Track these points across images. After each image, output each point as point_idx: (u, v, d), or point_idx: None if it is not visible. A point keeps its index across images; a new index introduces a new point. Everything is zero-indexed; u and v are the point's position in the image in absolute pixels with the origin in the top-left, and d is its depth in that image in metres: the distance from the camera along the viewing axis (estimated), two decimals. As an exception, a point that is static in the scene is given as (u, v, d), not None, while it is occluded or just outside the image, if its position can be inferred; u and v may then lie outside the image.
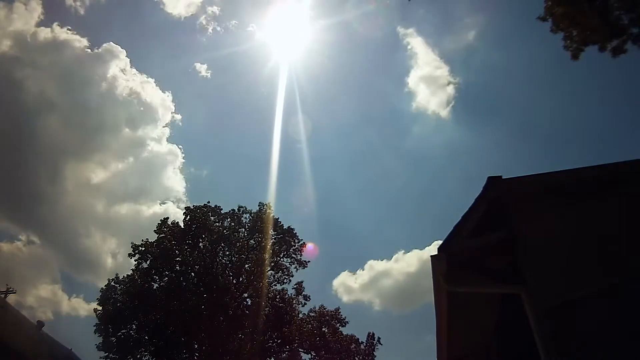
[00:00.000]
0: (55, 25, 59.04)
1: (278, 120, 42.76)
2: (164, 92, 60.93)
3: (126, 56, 54.76)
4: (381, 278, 54.38)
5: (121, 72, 53.68)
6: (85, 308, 49.45)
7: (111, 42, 54.66)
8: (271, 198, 33.17)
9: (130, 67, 56.72)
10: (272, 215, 30.87)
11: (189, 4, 65.58)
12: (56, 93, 49.10)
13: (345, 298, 51.32)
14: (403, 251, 59.10)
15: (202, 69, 58.31)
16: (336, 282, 52.17)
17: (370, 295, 55.50)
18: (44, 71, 48.66)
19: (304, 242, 31.21)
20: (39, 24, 57.09)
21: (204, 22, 62.98)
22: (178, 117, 59.91)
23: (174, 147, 59.46)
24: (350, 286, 52.47)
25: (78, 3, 60.81)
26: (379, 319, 53.09)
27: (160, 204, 54.71)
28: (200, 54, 59.85)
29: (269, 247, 29.87)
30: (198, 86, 62.32)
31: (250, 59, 67.07)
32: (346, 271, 56.30)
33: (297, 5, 57.30)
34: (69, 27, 55.28)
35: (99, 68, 51.97)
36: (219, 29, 64.39)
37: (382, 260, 60.97)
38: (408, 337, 51.39)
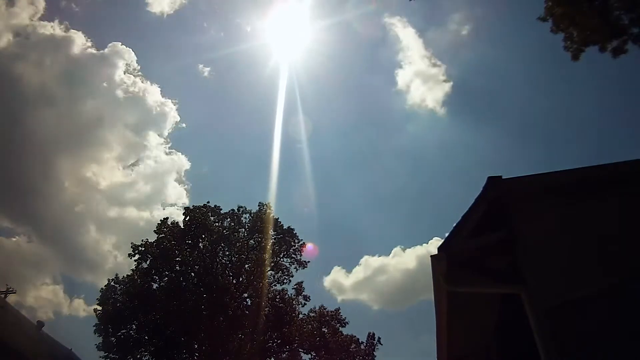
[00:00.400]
0: (56, 21, 59.14)
1: (278, 120, 42.75)
2: (164, 94, 60.86)
3: (136, 61, 54.50)
4: (378, 274, 54.16)
5: (123, 73, 53.62)
6: (69, 302, 49.40)
7: (116, 43, 54.48)
8: (271, 197, 33.24)
9: (136, 68, 56.54)
10: (272, 215, 30.90)
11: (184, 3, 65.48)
12: (56, 90, 49.12)
13: (341, 294, 51.09)
14: (400, 247, 58.83)
15: (202, 69, 58.38)
16: (333, 278, 51.93)
17: (366, 291, 55.23)
18: (45, 67, 48.61)
19: (303, 242, 31.25)
20: (42, 18, 56.93)
21: (203, 23, 63.02)
22: (178, 117, 60.03)
23: (175, 147, 59.34)
24: (346, 282, 52.27)
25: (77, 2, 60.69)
26: (374, 315, 52.88)
27: (162, 206, 54.47)
28: (200, 54, 59.89)
29: (268, 247, 29.87)
30: (199, 87, 62.41)
31: (250, 59, 67.09)
32: (341, 267, 56.00)
33: (297, 5, 57.36)
34: (70, 24, 55.20)
35: (101, 67, 51.99)
36: (219, 29, 64.38)
37: (379, 256, 60.77)
38: (404, 335, 51.28)
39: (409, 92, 63.86)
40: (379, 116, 63.58)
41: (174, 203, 51.78)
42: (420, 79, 60.28)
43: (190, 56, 61.29)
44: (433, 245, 44.93)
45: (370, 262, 53.73)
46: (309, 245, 32.34)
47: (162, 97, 63.97)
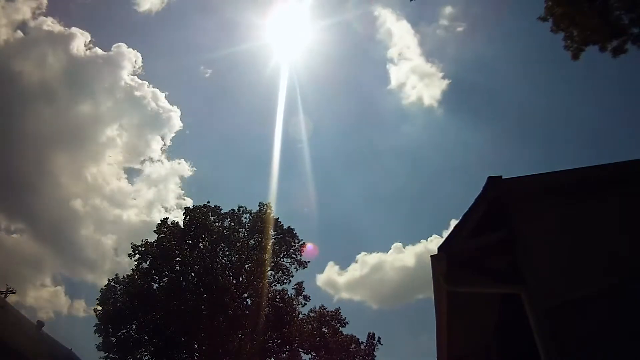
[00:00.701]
0: (57, 17, 58.99)
1: (279, 120, 42.75)
2: (163, 92, 60.74)
3: (141, 67, 54.20)
4: (375, 271, 53.70)
5: (127, 75, 53.33)
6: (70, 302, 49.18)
7: (121, 44, 54.19)
8: (271, 197, 33.24)
9: (141, 73, 56.34)
10: (272, 215, 30.92)
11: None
12: (57, 87, 49.04)
13: (335, 292, 50.53)
14: (400, 244, 58.57)
15: (202, 69, 58.38)
16: (327, 276, 51.50)
17: (362, 288, 54.68)
18: (45, 63, 48.43)
19: (303, 242, 31.29)
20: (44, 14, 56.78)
21: (197, 22, 62.96)
22: (181, 123, 59.78)
23: (177, 150, 59.27)
24: (341, 279, 51.82)
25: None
26: (371, 314, 52.43)
27: (163, 209, 54.26)
28: (200, 54, 59.86)
29: (268, 247, 29.89)
30: (198, 87, 62.42)
31: (249, 60, 66.91)
32: (335, 263, 55.75)
33: (297, 5, 57.36)
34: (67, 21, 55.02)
35: (105, 68, 51.84)
36: (215, 28, 64.30)
37: (377, 253, 60.35)
38: (402, 333, 51.01)
39: (408, 90, 63.86)
40: (378, 115, 63.63)
41: (174, 207, 51.69)
42: (418, 77, 60.45)
43: (186, 56, 61.28)
44: (433, 243, 45.03)
45: (367, 260, 53.39)
46: (309, 245, 32.39)
47: (166, 101, 63.58)
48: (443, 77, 59.57)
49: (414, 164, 61.81)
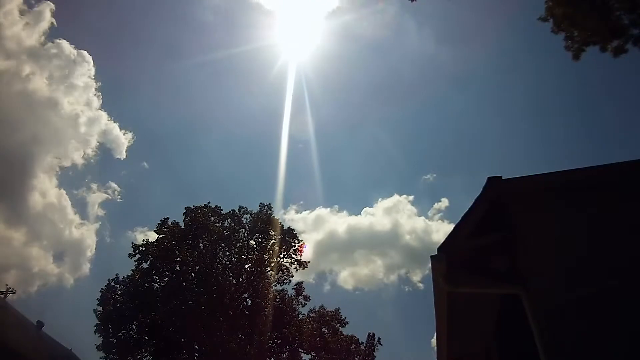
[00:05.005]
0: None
1: (277, 120, 42.79)
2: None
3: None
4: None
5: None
6: None
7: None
8: (277, 197, 33.26)
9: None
10: (273, 216, 31.00)
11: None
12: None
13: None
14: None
15: (204, 68, 58.31)
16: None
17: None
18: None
19: (302, 242, 31.35)
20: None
21: (207, 20, 62.85)
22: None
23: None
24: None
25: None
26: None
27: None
28: (203, 53, 59.75)
29: (269, 247, 29.95)
30: (198, 86, 62.38)
31: (253, 58, 66.68)
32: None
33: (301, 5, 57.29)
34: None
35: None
36: (224, 27, 64.11)
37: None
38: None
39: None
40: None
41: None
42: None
43: (192, 55, 61.12)
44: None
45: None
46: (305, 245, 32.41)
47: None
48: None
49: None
